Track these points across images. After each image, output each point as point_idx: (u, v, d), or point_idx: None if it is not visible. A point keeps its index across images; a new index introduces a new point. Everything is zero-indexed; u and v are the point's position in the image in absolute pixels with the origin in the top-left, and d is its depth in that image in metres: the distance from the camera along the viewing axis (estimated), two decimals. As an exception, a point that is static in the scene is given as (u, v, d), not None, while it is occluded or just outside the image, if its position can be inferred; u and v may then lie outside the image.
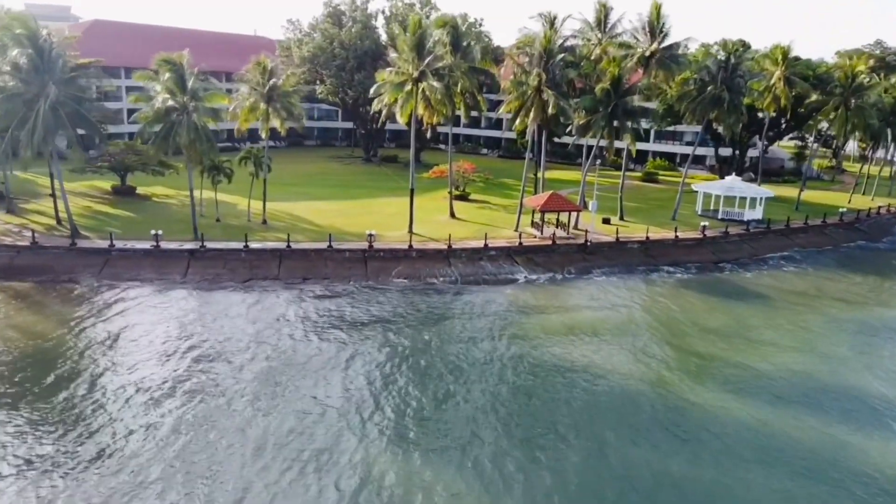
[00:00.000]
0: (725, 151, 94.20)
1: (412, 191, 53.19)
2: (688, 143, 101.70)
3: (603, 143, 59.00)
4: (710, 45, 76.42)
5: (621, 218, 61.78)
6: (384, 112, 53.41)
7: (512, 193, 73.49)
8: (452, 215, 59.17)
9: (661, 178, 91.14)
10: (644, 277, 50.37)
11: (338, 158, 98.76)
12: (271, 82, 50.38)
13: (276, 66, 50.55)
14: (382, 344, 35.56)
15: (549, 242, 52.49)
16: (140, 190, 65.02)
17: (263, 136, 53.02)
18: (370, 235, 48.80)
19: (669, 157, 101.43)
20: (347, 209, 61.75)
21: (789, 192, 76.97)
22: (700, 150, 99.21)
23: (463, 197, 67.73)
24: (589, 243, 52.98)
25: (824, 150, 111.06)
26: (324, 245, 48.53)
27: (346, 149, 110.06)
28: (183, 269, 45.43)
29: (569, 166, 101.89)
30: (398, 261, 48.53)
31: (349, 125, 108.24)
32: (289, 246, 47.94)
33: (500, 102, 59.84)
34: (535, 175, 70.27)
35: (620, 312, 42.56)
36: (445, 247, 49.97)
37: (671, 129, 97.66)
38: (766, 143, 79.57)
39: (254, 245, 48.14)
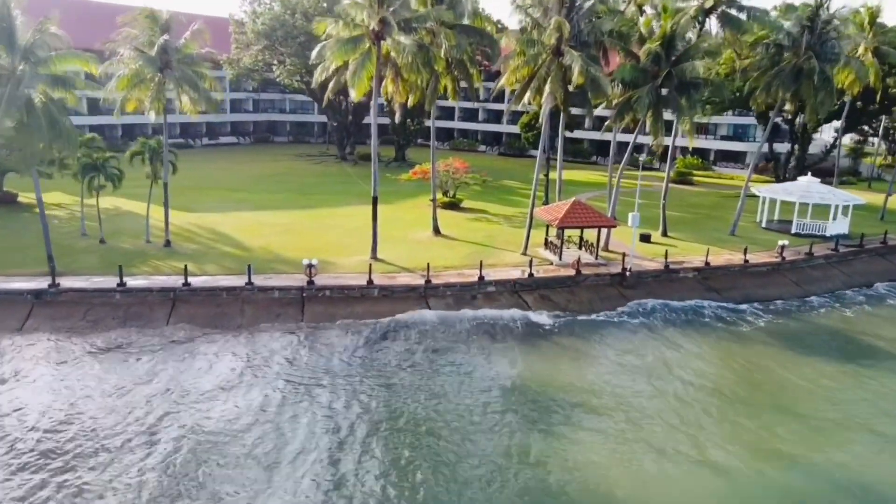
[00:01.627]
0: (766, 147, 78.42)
1: (375, 200, 37.49)
2: (723, 138, 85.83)
3: (634, 134, 43.31)
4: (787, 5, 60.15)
5: (664, 233, 46.06)
6: (331, 84, 37.71)
7: (516, 200, 57.84)
8: (437, 231, 43.47)
9: (695, 178, 75.39)
10: (707, 322, 34.72)
11: (308, 157, 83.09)
12: (163, 40, 34.41)
13: (173, 20, 34.72)
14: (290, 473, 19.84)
15: (572, 272, 36.80)
16: (24, 197, 49.23)
17: (152, 117, 37.09)
18: (309, 266, 33.04)
19: (701, 153, 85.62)
20: (297, 223, 46.01)
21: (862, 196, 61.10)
22: (739, 146, 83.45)
23: (453, 205, 52.05)
24: (629, 272, 37.29)
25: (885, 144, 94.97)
26: (242, 280, 32.85)
27: (322, 146, 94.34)
28: (19, 321, 29.77)
29: (584, 165, 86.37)
30: (351, 303, 32.89)
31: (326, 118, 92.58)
32: (187, 283, 32.20)
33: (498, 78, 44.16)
34: (548, 176, 54.59)
35: (677, 385, 26.86)
36: (422, 280, 34.31)
37: (706, 120, 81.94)
38: (837, 134, 63.66)
39: (136, 282, 32.44)
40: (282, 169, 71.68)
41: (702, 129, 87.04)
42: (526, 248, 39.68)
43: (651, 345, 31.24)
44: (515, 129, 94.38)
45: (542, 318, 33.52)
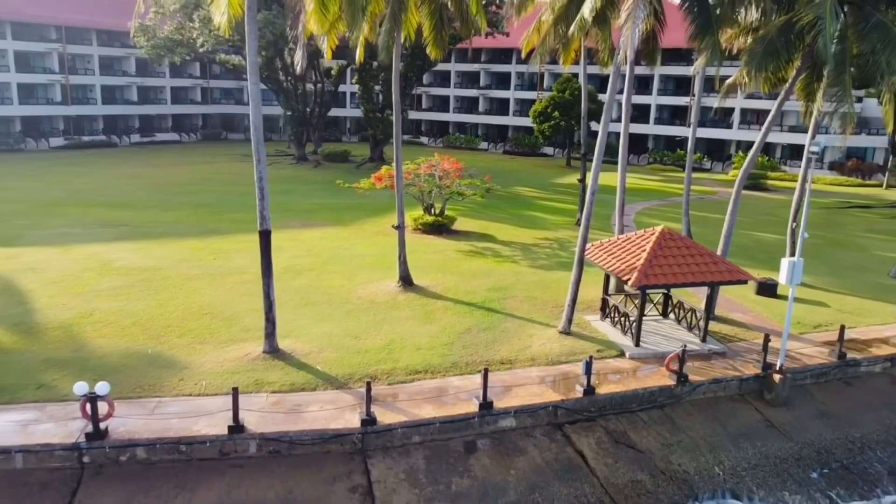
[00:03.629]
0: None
1: (263, 236, 18.54)
2: (792, 129, 67.09)
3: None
4: None
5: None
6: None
7: (536, 217, 39.43)
8: (407, 280, 24.76)
9: (770, 182, 56.81)
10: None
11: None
12: None
13: None
14: None
15: (665, 376, 18.25)
16: None
17: None
18: (90, 401, 14.35)
19: (764, 149, 66.90)
20: (170, 265, 27.28)
21: None
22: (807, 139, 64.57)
23: (440, 228, 33.46)
24: (778, 373, 18.66)
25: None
26: (-58, 429, 14.23)
27: (287, 143, 75.65)
28: None
29: (613, 165, 67.89)
30: (191, 480, 14.26)
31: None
32: None
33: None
34: (583, 182, 36.32)
35: None
36: (359, 414, 15.63)
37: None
38: None
39: None
40: (208, 174, 53.02)
41: (753, 118, 68.43)
42: (570, 319, 21.00)
43: None
44: (525, 120, 76.14)
45: (622, 498, 14.98)
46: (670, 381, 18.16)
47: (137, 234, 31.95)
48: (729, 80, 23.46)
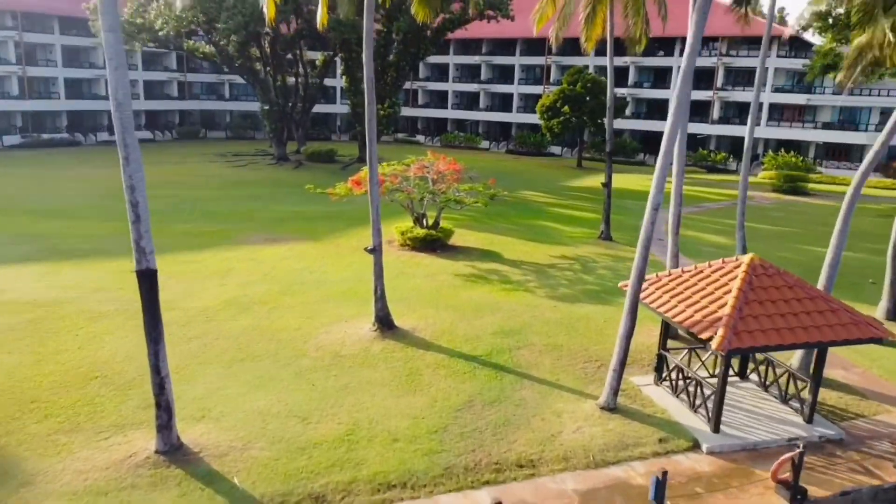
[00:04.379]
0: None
1: (145, 280, 12.04)
2: (825, 126, 60.74)
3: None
4: None
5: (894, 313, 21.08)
6: None
7: (549, 228, 33.10)
8: (386, 322, 18.34)
9: (811, 186, 50.42)
10: None
11: (236, 157, 58.23)
12: None
13: None
14: None
15: (759, 483, 11.87)
16: None
17: None
18: None
19: (796, 147, 60.51)
20: (69, 300, 20.92)
21: None
22: (850, 137, 58.30)
23: (434, 243, 27.04)
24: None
25: None
26: None
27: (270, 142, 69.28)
28: None
29: (627, 167, 61.92)
30: None
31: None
32: None
33: None
34: (609, 186, 29.97)
35: None
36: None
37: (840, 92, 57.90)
38: None
39: None
40: (173, 176, 46.54)
41: (798, 115, 62.33)
42: (616, 390, 14.54)
43: None
44: (531, 117, 70.16)
45: None
46: (780, 498, 11.79)
47: (54, 252, 25.59)
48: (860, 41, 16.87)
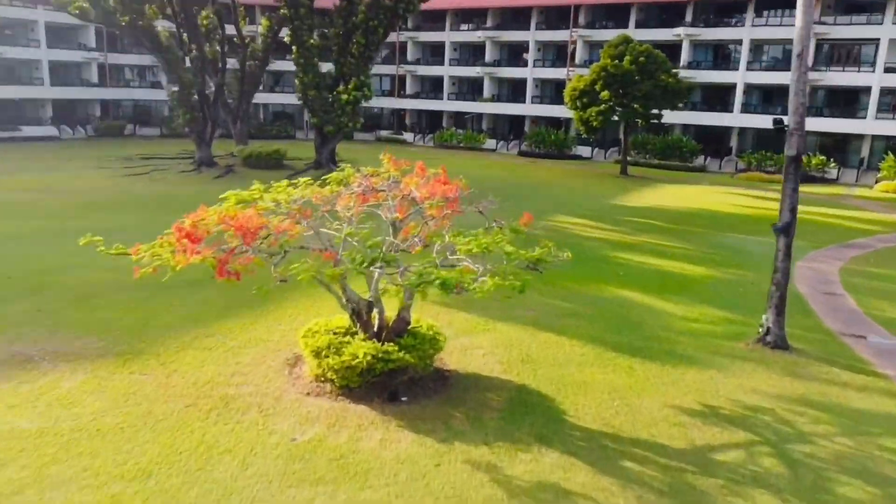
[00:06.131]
0: None
1: None
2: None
3: None
4: None
5: None
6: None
7: (640, 308, 15.48)
8: None
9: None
10: None
11: (142, 159, 41.99)
12: None
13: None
14: None
15: None
16: None
17: None
18: None
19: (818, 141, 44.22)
20: None
21: None
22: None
23: (391, 377, 10.66)
24: None
25: None
26: None
27: (224, 141, 53.01)
28: None
29: (678, 174, 46.12)
30: None
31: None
32: None
33: None
34: (789, 230, 12.86)
35: None
36: None
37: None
38: None
39: None
40: (37, 195, 30.14)
41: (838, 100, 46.04)
42: None
43: None
44: (548, 109, 54.33)
45: None
46: None
47: None
48: None
